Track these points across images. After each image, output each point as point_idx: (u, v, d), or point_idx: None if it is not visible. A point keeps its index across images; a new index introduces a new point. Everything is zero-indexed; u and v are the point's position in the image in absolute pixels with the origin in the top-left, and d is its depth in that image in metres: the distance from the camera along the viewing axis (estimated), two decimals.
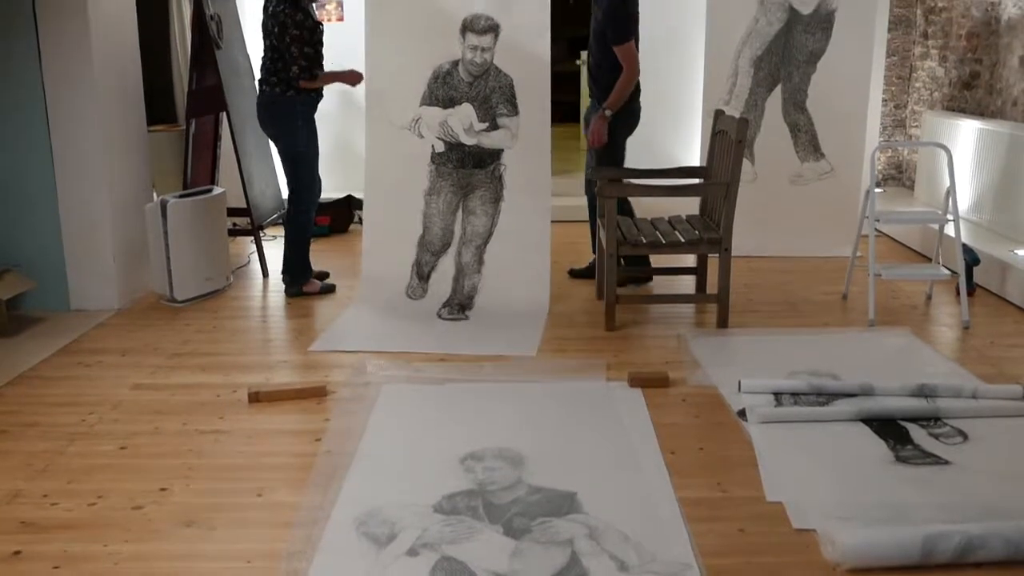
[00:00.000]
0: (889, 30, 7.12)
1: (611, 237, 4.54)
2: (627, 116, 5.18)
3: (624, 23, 5.00)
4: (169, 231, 4.95)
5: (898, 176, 7.55)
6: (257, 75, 5.22)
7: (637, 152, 5.40)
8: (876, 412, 3.51)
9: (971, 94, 6.39)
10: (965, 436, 3.35)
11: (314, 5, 5.05)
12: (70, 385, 3.97)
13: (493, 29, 4.93)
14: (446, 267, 5.05)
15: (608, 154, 5.18)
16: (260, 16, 4.97)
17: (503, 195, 5.03)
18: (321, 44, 5.00)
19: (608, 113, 5.06)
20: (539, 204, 5.04)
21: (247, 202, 5.64)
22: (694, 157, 6.64)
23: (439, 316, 4.91)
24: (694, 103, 6.37)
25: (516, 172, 5.02)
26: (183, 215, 5.03)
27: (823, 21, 5.96)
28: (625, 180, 5.15)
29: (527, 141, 5.01)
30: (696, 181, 5.15)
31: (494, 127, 4.98)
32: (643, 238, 4.63)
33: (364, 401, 3.71)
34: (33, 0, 4.62)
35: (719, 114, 5.04)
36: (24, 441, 3.40)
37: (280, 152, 5.16)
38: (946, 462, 3.15)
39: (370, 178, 5.10)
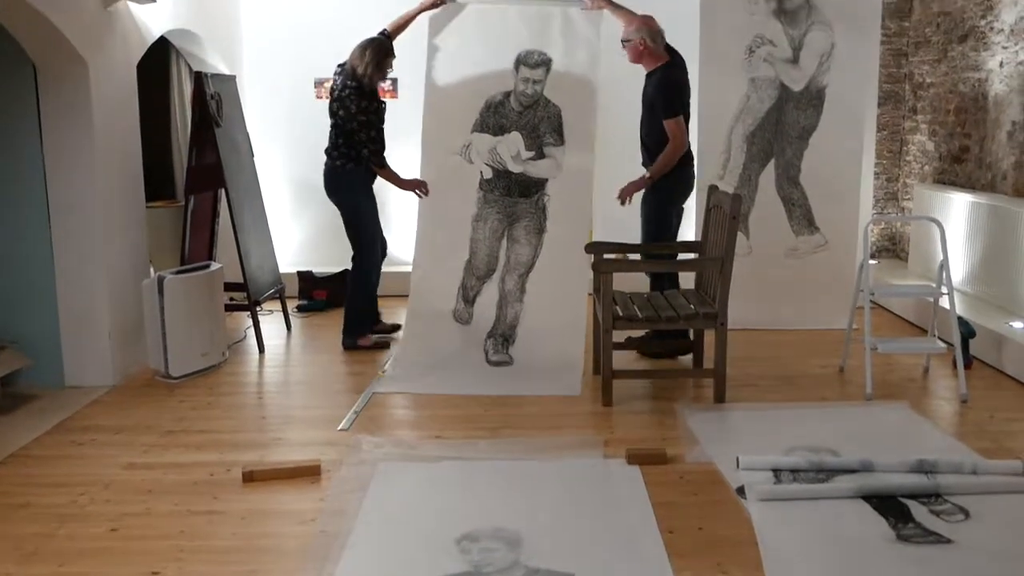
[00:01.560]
0: (879, 105, 7.24)
1: (607, 313, 4.54)
2: (676, 182, 5.26)
3: (674, 98, 5.13)
4: (165, 307, 4.96)
5: (892, 248, 7.60)
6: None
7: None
8: (876, 489, 3.48)
9: (961, 167, 6.47)
10: (967, 513, 3.32)
11: (380, 85, 5.41)
12: (62, 464, 3.92)
13: (545, 64, 5.26)
14: (491, 293, 5.28)
15: (656, 222, 5.26)
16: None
17: (546, 226, 5.26)
18: (383, 122, 5.36)
19: (647, 177, 5.18)
20: (579, 236, 5.23)
21: (244, 277, 5.65)
22: (689, 231, 6.67)
23: (487, 358, 5.15)
24: None
25: (558, 203, 5.25)
26: (180, 291, 5.03)
27: (814, 98, 6.06)
28: (622, 256, 5.20)
29: (571, 173, 5.24)
30: (691, 256, 5.18)
31: (540, 156, 5.21)
32: (639, 313, 4.64)
33: (359, 480, 3.67)
34: (35, 75, 4.69)
35: (713, 189, 5.08)
36: (14, 523, 3.36)
37: (342, 217, 5.51)
38: (948, 540, 3.11)
39: (423, 202, 5.40)
